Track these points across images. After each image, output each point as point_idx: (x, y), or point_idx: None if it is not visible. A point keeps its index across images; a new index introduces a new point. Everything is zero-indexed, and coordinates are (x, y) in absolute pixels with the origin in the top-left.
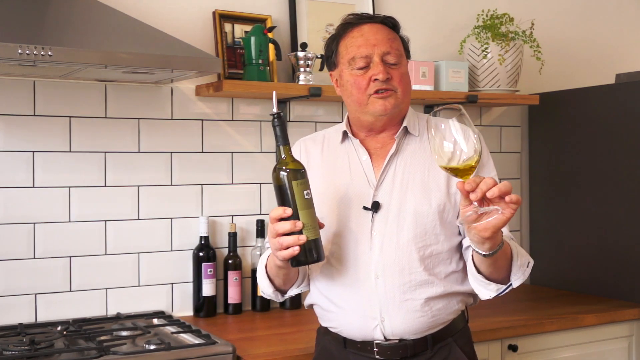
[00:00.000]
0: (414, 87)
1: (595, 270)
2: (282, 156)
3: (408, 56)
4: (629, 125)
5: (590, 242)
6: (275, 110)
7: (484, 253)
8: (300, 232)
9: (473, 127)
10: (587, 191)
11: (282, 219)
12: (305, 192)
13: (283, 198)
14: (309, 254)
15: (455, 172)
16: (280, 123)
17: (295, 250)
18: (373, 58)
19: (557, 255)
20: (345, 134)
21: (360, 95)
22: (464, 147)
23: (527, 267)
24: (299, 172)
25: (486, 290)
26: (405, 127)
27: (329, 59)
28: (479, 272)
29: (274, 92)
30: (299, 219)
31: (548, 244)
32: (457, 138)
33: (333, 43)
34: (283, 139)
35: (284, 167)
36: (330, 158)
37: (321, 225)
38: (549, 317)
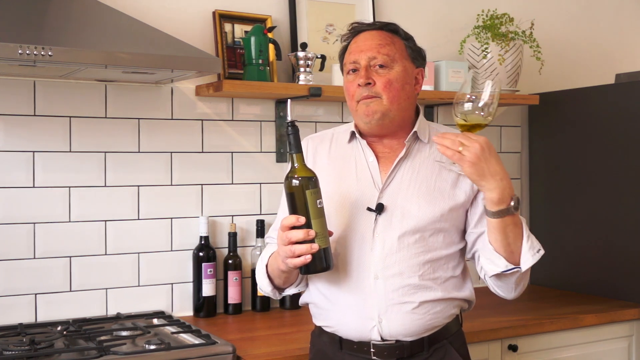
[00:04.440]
0: None
1: (595, 270)
2: (295, 164)
3: (417, 64)
4: (629, 125)
5: (590, 242)
6: (289, 118)
7: (493, 210)
8: (312, 240)
9: (496, 102)
10: (587, 191)
11: (294, 227)
12: (317, 201)
13: (295, 206)
14: (319, 263)
15: (463, 126)
16: (294, 132)
17: (308, 258)
18: (360, 63)
19: (557, 255)
20: (353, 134)
21: (350, 101)
22: (480, 102)
23: (537, 252)
24: (311, 181)
25: (494, 266)
26: (415, 132)
27: (342, 70)
28: (490, 244)
29: (289, 101)
30: (311, 228)
31: (548, 244)
32: (483, 95)
33: (342, 53)
34: (296, 147)
35: (296, 176)
36: (337, 157)
37: (330, 233)
38: (549, 317)
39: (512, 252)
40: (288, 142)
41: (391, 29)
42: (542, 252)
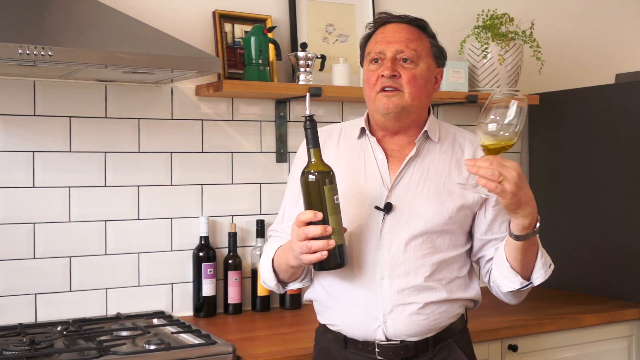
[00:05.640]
0: None
1: (595, 270)
2: (312, 160)
3: (439, 63)
4: (629, 125)
5: (590, 242)
6: (307, 112)
7: (521, 234)
8: (329, 237)
9: (523, 122)
10: (587, 191)
11: (310, 223)
12: (335, 197)
13: (312, 201)
14: (334, 259)
15: (485, 147)
16: (312, 126)
17: (324, 255)
18: (386, 55)
19: (557, 255)
20: (363, 130)
21: (369, 91)
22: (507, 130)
23: (549, 267)
24: (329, 176)
25: (510, 282)
26: (426, 132)
27: (362, 58)
28: (507, 260)
29: (307, 95)
30: (328, 224)
31: (548, 244)
32: (508, 119)
33: (364, 42)
34: (314, 142)
35: (313, 171)
36: (345, 153)
37: (344, 230)
38: (549, 317)
39: (527, 269)
40: (305, 137)
41: (419, 24)
42: (552, 267)
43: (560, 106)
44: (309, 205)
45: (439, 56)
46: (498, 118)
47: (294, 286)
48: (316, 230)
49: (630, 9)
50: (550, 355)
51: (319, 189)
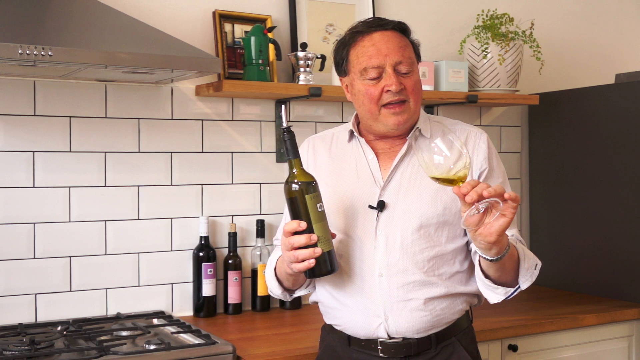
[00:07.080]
0: None
1: (595, 270)
2: (293, 170)
3: (418, 59)
4: (629, 125)
5: (590, 242)
6: (284, 124)
7: (491, 258)
8: (315, 245)
9: (458, 139)
10: (587, 191)
11: (296, 233)
12: (318, 205)
13: (296, 211)
14: (324, 266)
15: (446, 182)
16: (290, 137)
17: (311, 263)
18: (385, 68)
19: (557, 255)
20: (352, 133)
21: (372, 105)
22: (453, 160)
23: (535, 269)
24: (310, 185)
25: (494, 294)
26: (419, 129)
27: (340, 66)
28: (486, 277)
29: (283, 107)
30: (313, 232)
31: (548, 244)
32: (446, 152)
33: (343, 50)
34: (293, 153)
35: (295, 181)
36: (337, 156)
37: (333, 236)
38: (549, 317)
39: (512, 278)
40: (285, 148)
41: (403, 28)
42: (539, 265)
43: (560, 106)
44: (293, 215)
45: (418, 53)
46: (443, 155)
47: (299, 293)
48: (300, 239)
49: (630, 9)
50: (550, 355)
51: (302, 199)
